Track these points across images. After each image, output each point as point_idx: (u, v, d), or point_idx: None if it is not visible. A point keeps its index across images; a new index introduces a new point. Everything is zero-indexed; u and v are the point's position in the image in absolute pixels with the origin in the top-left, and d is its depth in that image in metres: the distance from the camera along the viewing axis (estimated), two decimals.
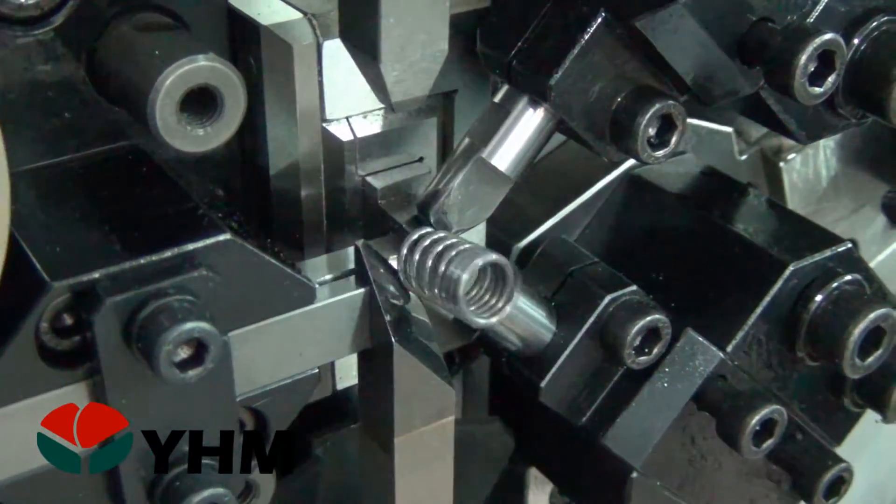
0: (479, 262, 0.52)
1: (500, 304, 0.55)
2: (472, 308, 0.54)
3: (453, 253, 0.53)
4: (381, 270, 0.56)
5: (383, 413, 0.57)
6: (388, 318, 0.54)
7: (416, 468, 0.58)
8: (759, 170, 0.79)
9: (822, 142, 0.80)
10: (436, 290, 0.53)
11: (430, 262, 0.53)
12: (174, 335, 0.45)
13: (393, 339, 0.54)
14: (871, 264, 0.89)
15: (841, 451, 0.69)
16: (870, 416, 0.71)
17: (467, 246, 0.53)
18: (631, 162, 0.69)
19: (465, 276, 0.52)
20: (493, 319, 0.54)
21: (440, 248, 0.53)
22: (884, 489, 1.29)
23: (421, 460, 0.58)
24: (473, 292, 0.54)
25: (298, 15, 0.56)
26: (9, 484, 0.49)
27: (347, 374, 0.63)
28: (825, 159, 0.81)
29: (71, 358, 0.48)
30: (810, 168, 0.81)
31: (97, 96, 0.54)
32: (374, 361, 0.57)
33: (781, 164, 0.79)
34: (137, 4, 0.53)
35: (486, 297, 0.55)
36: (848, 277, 0.63)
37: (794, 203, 0.81)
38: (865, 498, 1.28)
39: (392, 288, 0.56)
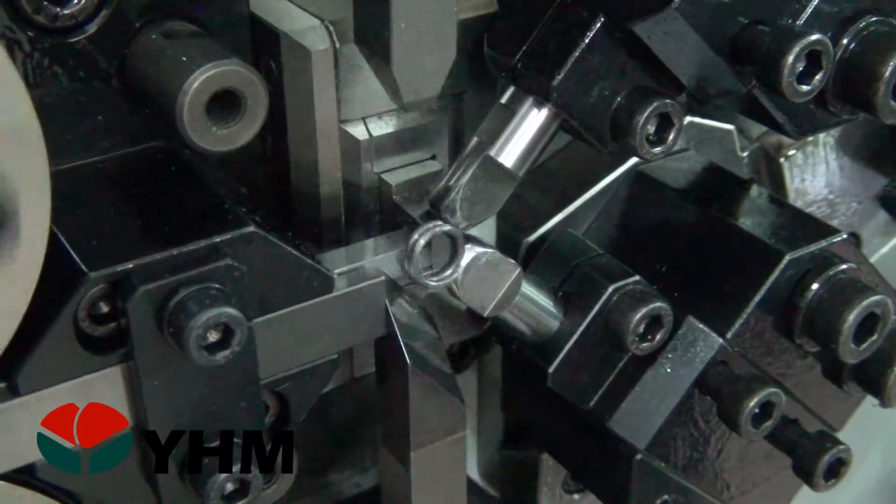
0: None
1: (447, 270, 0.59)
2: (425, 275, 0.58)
3: None
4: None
5: (400, 429, 0.61)
6: (403, 342, 0.58)
7: (431, 479, 0.63)
8: (761, 166, 0.82)
9: (822, 138, 0.82)
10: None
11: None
12: (203, 320, 0.48)
13: (408, 362, 0.58)
14: (875, 258, 0.92)
15: (853, 441, 0.70)
16: (882, 409, 0.73)
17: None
18: (636, 159, 0.72)
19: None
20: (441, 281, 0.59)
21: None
22: None
23: (435, 472, 0.63)
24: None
25: (317, 22, 0.59)
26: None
27: (365, 362, 0.66)
28: (825, 155, 0.83)
29: (107, 343, 0.51)
30: (811, 164, 0.83)
31: (128, 100, 0.57)
32: (391, 382, 0.61)
33: (782, 160, 0.81)
34: (166, 13, 0.56)
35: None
36: (843, 267, 0.65)
37: (795, 198, 0.83)
38: (878, 487, 1.30)
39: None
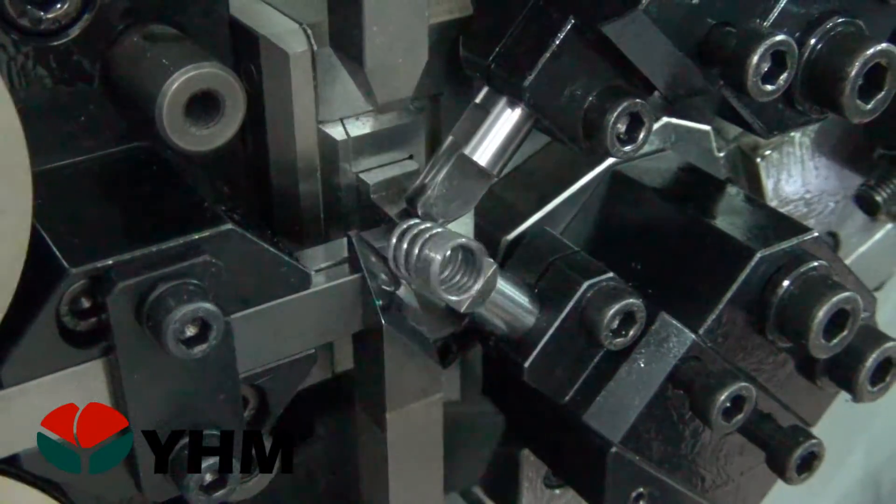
0: (451, 244, 0.57)
1: (471, 284, 0.59)
2: (444, 288, 0.58)
3: (427, 237, 0.57)
4: (373, 259, 0.60)
5: (376, 390, 0.61)
6: (378, 302, 0.59)
7: (407, 442, 0.63)
8: (738, 166, 0.83)
9: (798, 138, 0.84)
10: (413, 273, 0.58)
11: (405, 246, 0.58)
12: (180, 314, 0.50)
13: (383, 321, 0.59)
14: (853, 256, 0.93)
15: (837, 439, 0.71)
16: (865, 407, 0.75)
17: (440, 230, 0.58)
18: (613, 159, 0.73)
19: (437, 258, 0.56)
20: (465, 297, 0.59)
21: (415, 232, 0.58)
22: (879, 477, 1.32)
23: (412, 434, 0.63)
24: (447, 273, 0.58)
25: (295, 25, 0.61)
26: (34, 453, 0.54)
27: (346, 357, 0.68)
28: (802, 155, 0.85)
29: (89, 337, 0.53)
30: (787, 164, 0.84)
31: (111, 101, 0.58)
32: (367, 342, 0.61)
33: (759, 160, 0.82)
34: (147, 17, 0.57)
35: (458, 277, 0.59)
36: (814, 264, 0.66)
37: (772, 198, 0.84)
38: (862, 485, 1.31)
39: (383, 275, 0.60)
